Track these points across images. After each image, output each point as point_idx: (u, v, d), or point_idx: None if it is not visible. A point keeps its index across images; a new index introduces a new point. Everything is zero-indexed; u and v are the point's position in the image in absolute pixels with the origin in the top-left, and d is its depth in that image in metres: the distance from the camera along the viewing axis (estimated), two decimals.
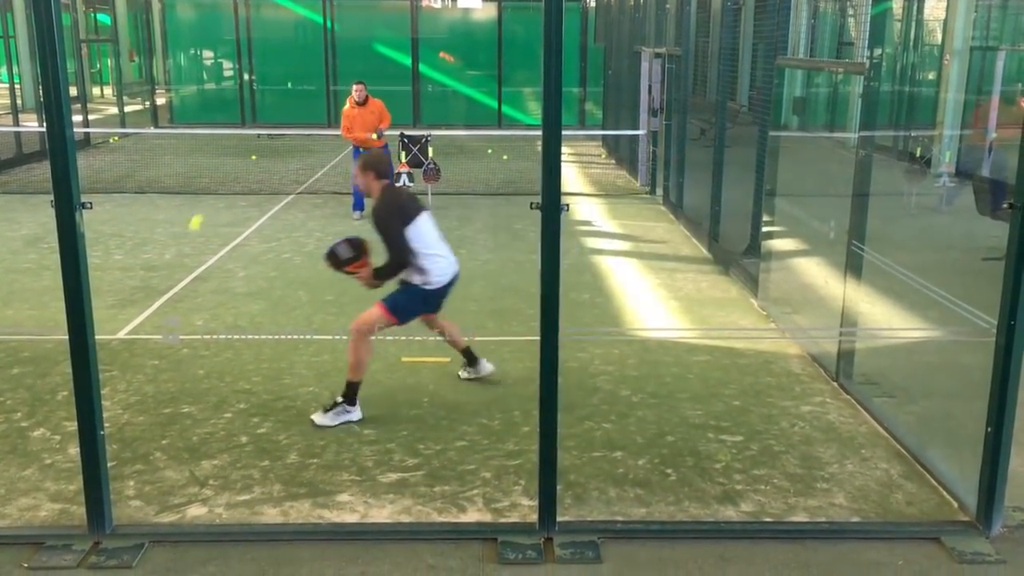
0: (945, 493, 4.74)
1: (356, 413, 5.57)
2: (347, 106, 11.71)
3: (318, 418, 5.53)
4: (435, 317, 6.00)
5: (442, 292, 5.73)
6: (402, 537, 4.35)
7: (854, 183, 6.02)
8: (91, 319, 4.04)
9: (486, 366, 6.22)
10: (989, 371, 4.27)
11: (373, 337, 5.60)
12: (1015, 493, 4.53)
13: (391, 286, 5.69)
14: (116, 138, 19.34)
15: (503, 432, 5.43)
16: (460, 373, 6.27)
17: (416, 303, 5.70)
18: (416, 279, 5.61)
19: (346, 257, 5.62)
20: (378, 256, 5.60)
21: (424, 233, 5.59)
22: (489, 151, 17.16)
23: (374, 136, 11.61)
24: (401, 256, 5.48)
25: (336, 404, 5.55)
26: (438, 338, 6.22)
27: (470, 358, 6.21)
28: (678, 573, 4.08)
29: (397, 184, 11.95)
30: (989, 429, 4.30)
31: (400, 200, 5.70)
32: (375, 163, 5.69)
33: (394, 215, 5.53)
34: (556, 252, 3.97)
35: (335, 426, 5.47)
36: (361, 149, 11.75)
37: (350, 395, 5.56)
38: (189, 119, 22.59)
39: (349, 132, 11.70)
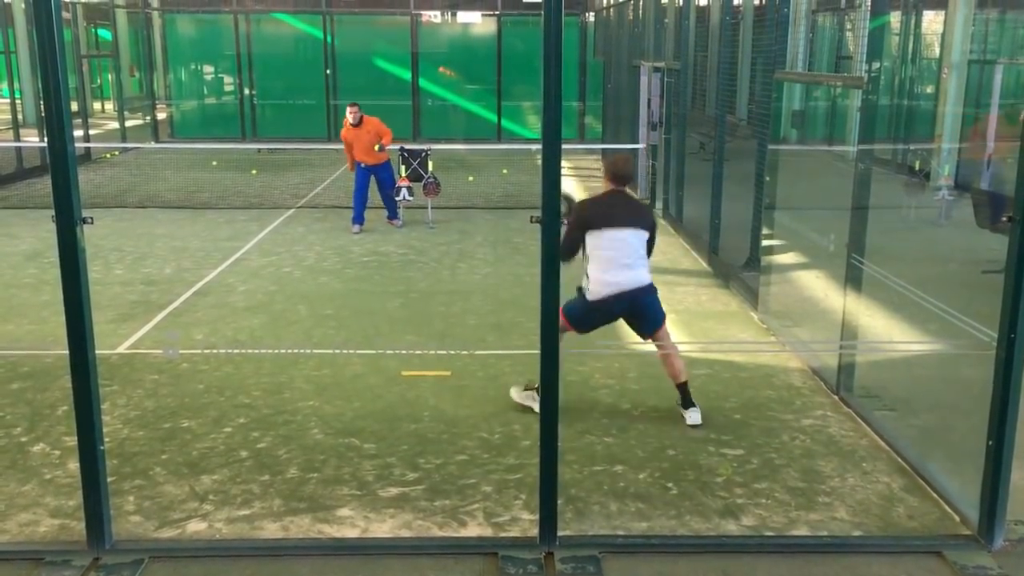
0: (947, 507, 4.73)
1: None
2: (343, 128, 11.81)
3: (513, 392, 5.91)
4: (655, 334, 5.86)
5: (602, 307, 5.67)
6: (403, 552, 4.34)
7: (853, 196, 6.03)
8: (91, 334, 4.03)
9: (694, 415, 5.73)
10: (990, 384, 4.27)
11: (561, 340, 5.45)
12: (1017, 507, 4.51)
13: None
14: (108, 155, 19.34)
15: (503, 446, 5.42)
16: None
17: (581, 311, 5.71)
18: (582, 283, 5.72)
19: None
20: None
21: (602, 245, 5.61)
22: (504, 171, 17.18)
23: (376, 149, 11.71)
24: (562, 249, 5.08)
25: (531, 388, 5.78)
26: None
27: (684, 398, 5.78)
28: None
29: (397, 198, 12.04)
30: (990, 442, 4.29)
31: (599, 206, 5.76)
32: (612, 165, 5.91)
33: (582, 215, 5.67)
34: (556, 265, 3.98)
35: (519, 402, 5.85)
36: (363, 165, 11.82)
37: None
38: (189, 134, 22.63)
39: (349, 152, 11.80)
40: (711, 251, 9.82)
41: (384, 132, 11.81)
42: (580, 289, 5.74)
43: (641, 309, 5.75)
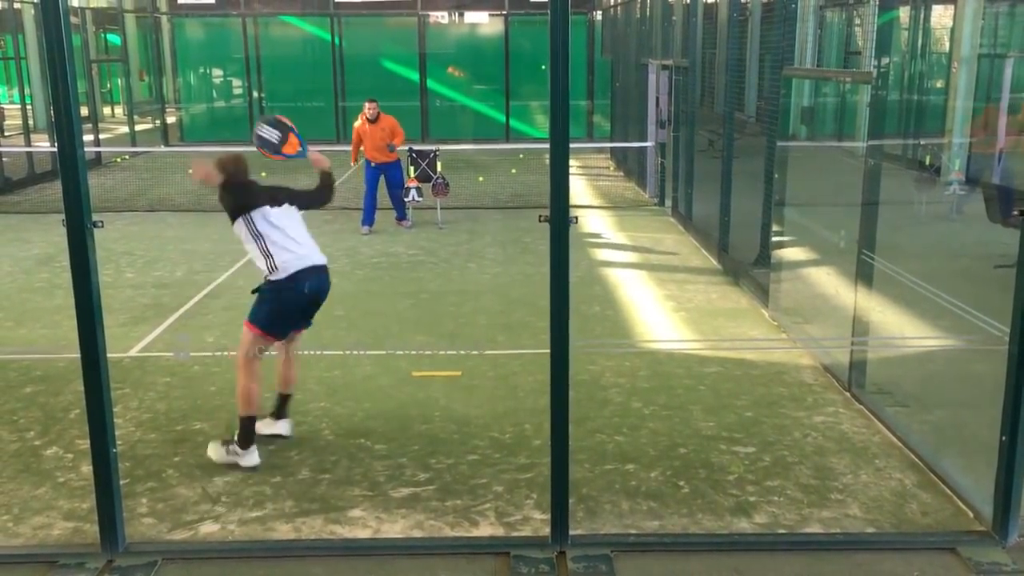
0: (960, 503, 4.71)
1: (250, 458, 5.05)
2: (358, 123, 11.81)
3: (211, 450, 5.14)
4: (295, 338, 5.47)
5: (298, 292, 5.12)
6: (415, 552, 4.35)
7: (863, 192, 6.01)
8: (103, 337, 4.06)
9: (285, 426, 5.52)
10: (1002, 379, 4.25)
11: (259, 359, 5.18)
12: None
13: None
14: (118, 159, 19.42)
15: (514, 446, 5.42)
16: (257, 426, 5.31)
17: (274, 305, 5.12)
18: (261, 264, 5.10)
19: (279, 139, 5.23)
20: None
21: (277, 217, 5.12)
22: (513, 170, 17.20)
23: (388, 149, 11.75)
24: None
25: (228, 442, 5.10)
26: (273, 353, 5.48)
27: (280, 408, 5.53)
28: None
29: (406, 199, 12.06)
30: (1004, 438, 4.27)
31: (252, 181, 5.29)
32: (227, 161, 5.15)
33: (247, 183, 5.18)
34: (565, 265, 3.98)
35: (222, 463, 5.06)
36: (372, 164, 11.85)
37: (243, 435, 5.06)
38: (199, 137, 22.70)
39: (357, 149, 11.80)
40: (721, 248, 9.80)
41: (398, 133, 11.87)
42: (264, 288, 5.18)
43: (324, 295, 5.30)
